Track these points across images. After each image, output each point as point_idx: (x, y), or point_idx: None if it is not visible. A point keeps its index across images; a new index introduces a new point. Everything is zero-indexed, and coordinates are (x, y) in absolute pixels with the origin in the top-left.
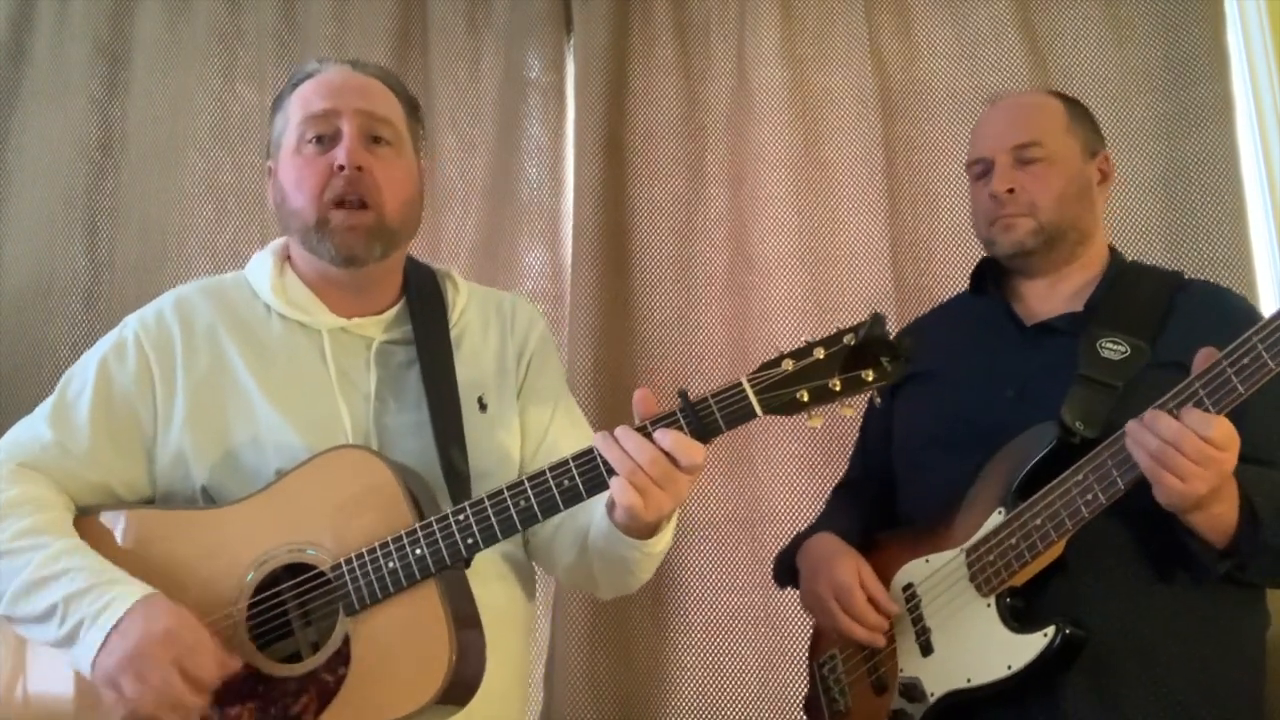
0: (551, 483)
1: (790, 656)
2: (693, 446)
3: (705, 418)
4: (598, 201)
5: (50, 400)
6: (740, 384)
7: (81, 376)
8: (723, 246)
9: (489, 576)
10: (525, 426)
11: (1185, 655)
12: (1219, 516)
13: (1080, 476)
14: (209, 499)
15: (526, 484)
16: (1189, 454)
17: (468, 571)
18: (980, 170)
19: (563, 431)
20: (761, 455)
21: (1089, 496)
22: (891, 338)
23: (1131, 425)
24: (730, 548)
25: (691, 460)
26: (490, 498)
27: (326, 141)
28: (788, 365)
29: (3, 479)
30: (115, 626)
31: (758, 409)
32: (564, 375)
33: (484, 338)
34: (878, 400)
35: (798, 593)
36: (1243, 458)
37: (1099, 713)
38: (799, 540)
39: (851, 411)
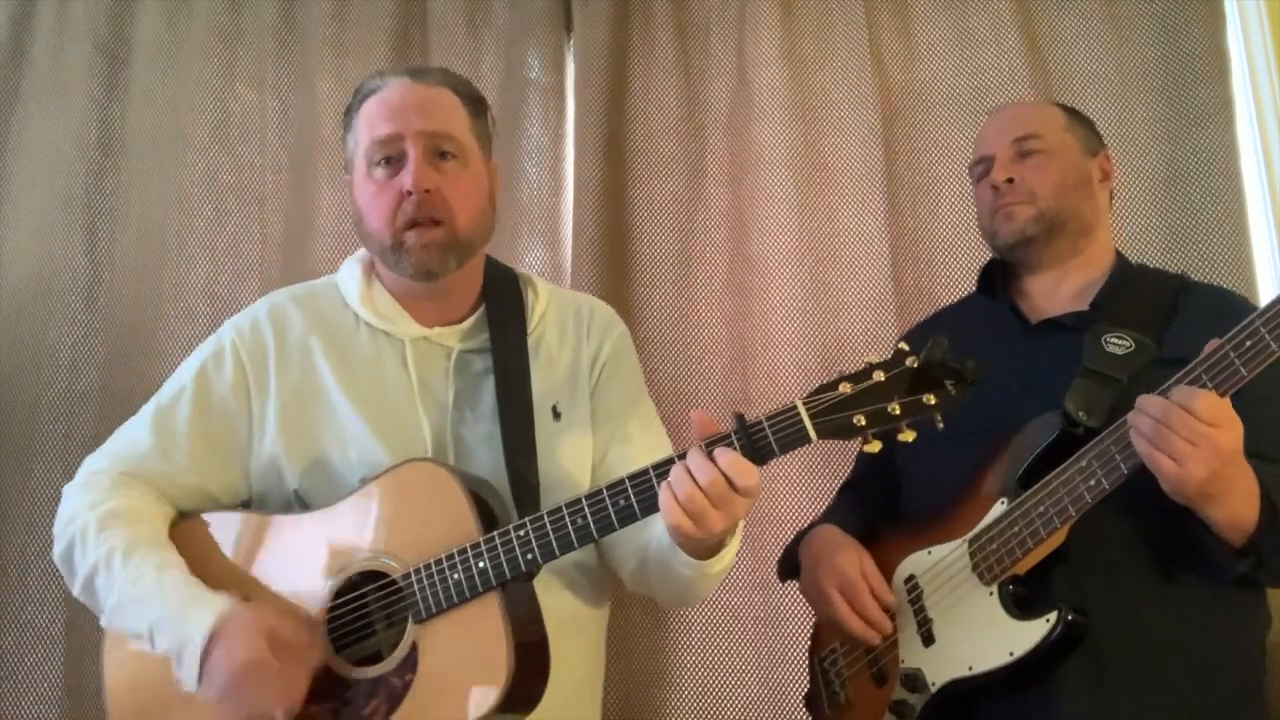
0: (608, 502)
1: (789, 657)
2: (747, 468)
3: (759, 441)
4: (598, 201)
5: (151, 405)
6: (795, 407)
7: (181, 384)
8: (723, 246)
9: (555, 586)
10: (595, 432)
11: (1185, 649)
12: (1237, 513)
13: (1084, 463)
14: (302, 501)
15: (584, 502)
16: (1178, 430)
17: (537, 578)
18: (982, 170)
19: (629, 438)
20: None
21: (1092, 482)
22: (954, 361)
23: (1131, 413)
24: None
25: (746, 482)
26: (550, 514)
27: (394, 163)
28: (845, 389)
29: (104, 489)
30: (203, 666)
31: (812, 433)
32: (641, 380)
33: (560, 344)
34: (940, 424)
35: (798, 589)
36: (1262, 457)
37: (1097, 705)
38: (801, 535)
39: (912, 436)
